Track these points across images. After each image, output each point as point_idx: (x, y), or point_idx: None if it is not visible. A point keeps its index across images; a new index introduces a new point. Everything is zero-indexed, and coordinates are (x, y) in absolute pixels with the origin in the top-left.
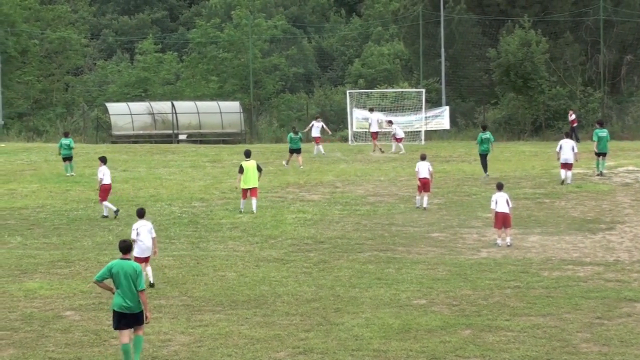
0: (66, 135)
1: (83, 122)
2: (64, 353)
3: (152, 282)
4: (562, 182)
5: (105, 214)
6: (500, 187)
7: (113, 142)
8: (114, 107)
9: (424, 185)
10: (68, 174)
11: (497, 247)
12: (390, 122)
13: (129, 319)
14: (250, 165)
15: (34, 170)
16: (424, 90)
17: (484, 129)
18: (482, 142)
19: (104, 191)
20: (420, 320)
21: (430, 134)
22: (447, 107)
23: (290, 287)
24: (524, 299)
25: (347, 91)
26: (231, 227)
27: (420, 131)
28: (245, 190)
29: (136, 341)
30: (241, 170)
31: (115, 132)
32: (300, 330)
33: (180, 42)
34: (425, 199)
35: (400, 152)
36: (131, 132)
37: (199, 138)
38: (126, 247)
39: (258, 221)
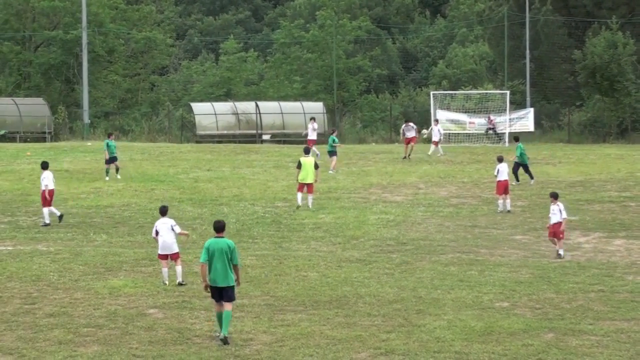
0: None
1: (168, 121)
2: (147, 350)
3: (180, 281)
4: None
5: (47, 222)
6: (556, 196)
7: (197, 142)
8: (198, 107)
9: (505, 188)
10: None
11: (557, 256)
12: (436, 121)
13: (221, 292)
14: (308, 161)
15: (119, 169)
16: (508, 92)
17: (517, 139)
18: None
19: (49, 197)
20: (503, 323)
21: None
22: (532, 109)
23: (372, 288)
24: (608, 303)
25: (431, 92)
26: (314, 228)
27: (504, 133)
28: (301, 185)
29: (225, 315)
30: (299, 166)
31: (199, 132)
32: (382, 331)
33: (265, 43)
34: (508, 201)
35: (439, 155)
36: (215, 132)
37: (282, 138)
38: (220, 226)
39: (340, 222)
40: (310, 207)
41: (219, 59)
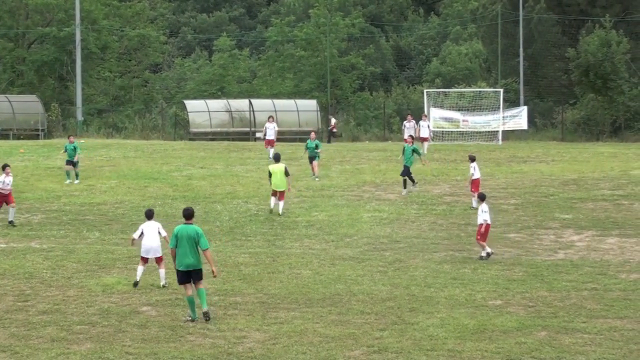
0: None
1: (161, 119)
2: (140, 348)
3: (164, 284)
4: None
5: None
6: (483, 198)
7: (191, 139)
8: (192, 105)
9: (478, 186)
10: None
11: (482, 260)
12: (425, 117)
13: (190, 275)
14: (277, 169)
15: (112, 167)
16: (502, 90)
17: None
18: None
19: None
20: (496, 321)
21: (508, 134)
22: (525, 107)
23: (366, 285)
24: (601, 301)
25: (425, 90)
26: (307, 225)
27: (497, 131)
28: (274, 191)
29: (199, 293)
30: (270, 175)
31: (193, 130)
32: (375, 329)
33: (258, 40)
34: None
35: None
36: (209, 130)
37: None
38: (189, 214)
39: (334, 219)
40: (280, 213)
41: (212, 57)
